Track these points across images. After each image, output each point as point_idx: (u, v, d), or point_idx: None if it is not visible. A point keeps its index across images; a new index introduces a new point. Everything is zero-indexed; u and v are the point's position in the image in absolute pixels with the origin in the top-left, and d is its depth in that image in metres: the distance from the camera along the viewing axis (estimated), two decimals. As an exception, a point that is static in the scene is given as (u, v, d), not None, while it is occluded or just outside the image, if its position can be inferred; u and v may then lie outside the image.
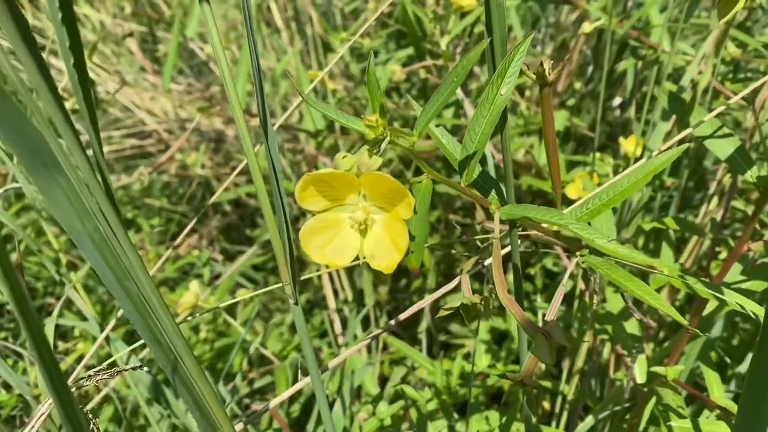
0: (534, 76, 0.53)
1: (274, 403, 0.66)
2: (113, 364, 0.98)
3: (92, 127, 0.35)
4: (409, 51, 1.54)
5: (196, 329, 1.64)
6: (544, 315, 1.37)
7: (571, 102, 1.56)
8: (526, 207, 0.48)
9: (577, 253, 0.58)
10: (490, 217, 0.58)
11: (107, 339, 1.04)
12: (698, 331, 0.49)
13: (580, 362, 1.10)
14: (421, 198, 0.44)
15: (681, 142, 0.78)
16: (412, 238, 0.43)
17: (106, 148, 2.36)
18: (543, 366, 0.48)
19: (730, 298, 0.59)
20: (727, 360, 1.19)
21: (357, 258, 0.43)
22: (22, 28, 0.33)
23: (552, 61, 0.55)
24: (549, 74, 0.54)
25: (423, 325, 1.57)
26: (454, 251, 1.32)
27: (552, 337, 0.42)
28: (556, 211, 0.46)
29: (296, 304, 0.48)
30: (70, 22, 0.34)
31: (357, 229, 0.42)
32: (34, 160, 0.33)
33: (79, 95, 0.33)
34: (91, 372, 0.45)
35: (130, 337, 1.63)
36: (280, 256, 0.46)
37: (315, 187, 0.40)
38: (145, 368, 0.48)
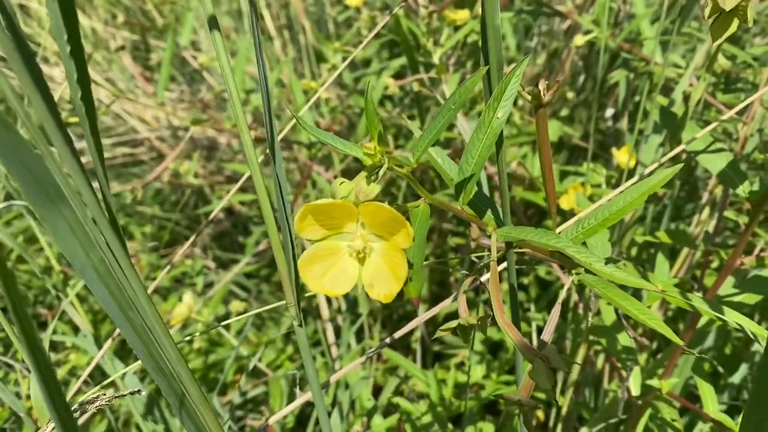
0: (529, 98, 0.54)
1: (273, 419, 0.66)
2: (105, 377, 0.97)
3: (99, 160, 0.35)
4: (402, 60, 1.54)
5: (189, 339, 1.64)
6: (538, 326, 1.38)
7: (563, 112, 1.57)
8: (523, 229, 0.48)
9: (573, 272, 0.58)
10: (484, 232, 0.58)
11: (99, 349, 1.03)
12: (693, 352, 0.49)
13: (574, 374, 1.11)
14: (419, 224, 0.44)
15: (674, 158, 0.78)
16: (410, 265, 0.43)
17: (97, 157, 2.35)
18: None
19: (729, 316, 0.60)
20: (720, 369, 1.20)
21: (356, 287, 0.43)
22: (19, 40, 0.33)
23: (547, 82, 0.55)
24: (544, 95, 0.54)
25: (417, 334, 1.58)
26: (451, 269, 1.32)
27: (550, 361, 0.43)
28: (553, 234, 0.47)
29: (300, 326, 0.49)
30: (79, 58, 0.34)
31: (355, 257, 0.42)
32: (38, 192, 0.33)
33: (86, 127, 0.33)
34: (91, 395, 0.45)
35: (121, 348, 1.62)
36: (285, 278, 0.46)
37: (313, 216, 0.41)
38: (144, 392, 0.48)
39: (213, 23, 0.43)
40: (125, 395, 0.45)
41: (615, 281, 0.46)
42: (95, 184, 0.41)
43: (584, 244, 0.59)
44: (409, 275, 0.43)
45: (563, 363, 0.43)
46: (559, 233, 0.58)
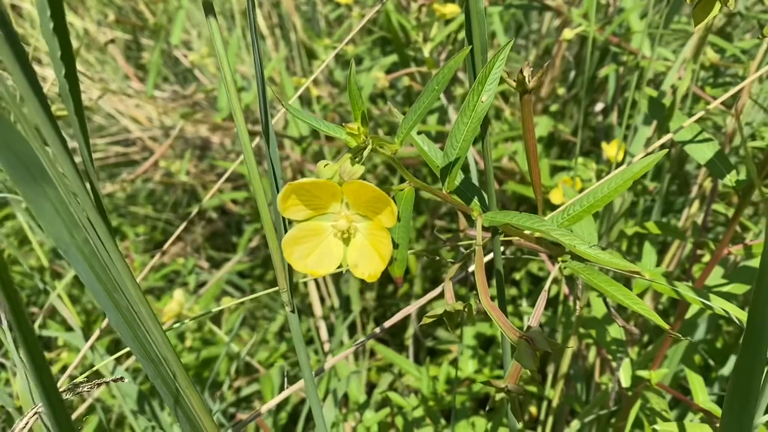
0: (514, 83, 0.54)
1: (263, 409, 0.66)
2: (97, 374, 0.97)
3: (83, 138, 0.35)
4: (394, 57, 1.55)
5: (181, 337, 1.64)
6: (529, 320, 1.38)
7: (554, 108, 1.58)
8: (507, 213, 0.49)
9: (559, 259, 0.58)
10: (472, 224, 0.58)
11: (92, 348, 1.03)
12: (680, 336, 0.49)
13: (565, 367, 1.11)
14: (403, 205, 0.44)
15: (662, 147, 0.79)
16: (395, 245, 0.43)
17: (90, 156, 2.35)
18: (528, 372, 0.49)
19: (713, 302, 0.60)
20: (711, 362, 1.21)
21: (340, 267, 0.43)
22: (11, 36, 0.34)
23: (532, 68, 0.55)
24: (529, 81, 0.55)
25: (410, 331, 1.58)
26: (438, 257, 1.32)
27: (535, 343, 0.43)
28: (538, 218, 0.47)
29: (293, 311, 0.49)
30: (62, 32, 0.34)
31: (340, 237, 0.43)
32: (22, 171, 0.33)
33: (70, 106, 0.34)
34: (75, 381, 0.45)
35: (115, 347, 1.62)
36: (277, 263, 0.46)
37: (297, 196, 0.41)
38: (127, 379, 0.48)
39: (208, 7, 0.43)
40: (108, 382, 0.45)
41: (599, 263, 0.46)
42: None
43: (570, 231, 0.59)
44: (394, 255, 0.44)
45: (547, 344, 0.43)
46: (545, 220, 0.59)
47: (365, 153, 0.40)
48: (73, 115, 0.34)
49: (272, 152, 0.44)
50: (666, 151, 0.54)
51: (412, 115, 0.42)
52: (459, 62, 0.41)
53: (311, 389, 0.55)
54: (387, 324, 0.69)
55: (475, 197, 0.55)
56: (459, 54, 0.41)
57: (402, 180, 1.62)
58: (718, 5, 0.47)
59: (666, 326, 0.51)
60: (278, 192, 0.47)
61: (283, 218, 0.48)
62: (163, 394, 0.41)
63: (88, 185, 0.37)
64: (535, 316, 0.57)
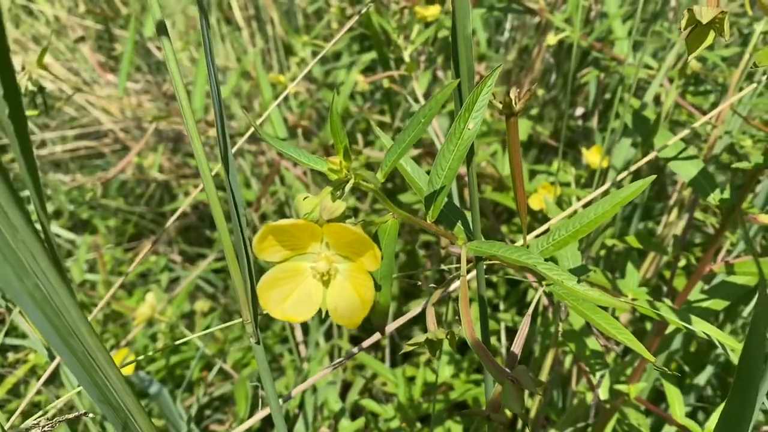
0: (501, 107, 0.52)
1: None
2: (62, 407, 0.94)
3: (32, 181, 0.32)
4: (373, 54, 1.52)
5: (153, 338, 1.61)
6: (506, 326, 1.37)
7: (534, 111, 1.56)
8: (493, 244, 0.47)
9: (543, 284, 0.57)
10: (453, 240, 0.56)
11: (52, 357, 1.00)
12: (664, 369, 0.48)
13: (542, 376, 1.10)
14: (386, 241, 0.42)
15: (647, 164, 0.78)
16: (377, 287, 0.41)
17: (59, 148, 2.29)
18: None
19: (699, 326, 0.59)
20: (686, 368, 1.21)
21: (320, 311, 0.41)
22: None
23: (518, 90, 0.53)
24: (516, 104, 0.53)
25: (386, 331, 1.56)
26: (419, 283, 1.31)
27: (521, 383, 0.41)
28: (524, 250, 0.45)
29: (258, 343, 0.46)
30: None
31: (319, 279, 0.40)
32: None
33: (16, 147, 0.31)
34: (30, 422, 0.42)
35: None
36: (241, 293, 0.44)
37: (274, 236, 0.38)
38: (91, 415, 0.45)
39: (162, 29, 0.41)
40: (70, 418, 0.42)
41: (587, 300, 0.45)
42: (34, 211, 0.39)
43: (552, 259, 0.58)
44: (376, 298, 0.41)
45: (533, 384, 0.42)
46: (530, 244, 0.57)
47: (347, 188, 0.38)
48: (20, 155, 0.31)
49: (233, 184, 0.42)
50: (654, 177, 0.53)
51: (397, 147, 0.40)
52: (447, 95, 0.39)
53: (278, 420, 0.53)
54: (366, 344, 0.67)
55: (459, 222, 0.53)
56: (446, 87, 0.39)
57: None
58: (712, 34, 0.45)
59: (652, 359, 0.50)
60: (240, 221, 0.45)
61: (245, 246, 0.45)
62: (127, 439, 0.39)
63: (39, 225, 0.34)
64: (517, 342, 0.55)
